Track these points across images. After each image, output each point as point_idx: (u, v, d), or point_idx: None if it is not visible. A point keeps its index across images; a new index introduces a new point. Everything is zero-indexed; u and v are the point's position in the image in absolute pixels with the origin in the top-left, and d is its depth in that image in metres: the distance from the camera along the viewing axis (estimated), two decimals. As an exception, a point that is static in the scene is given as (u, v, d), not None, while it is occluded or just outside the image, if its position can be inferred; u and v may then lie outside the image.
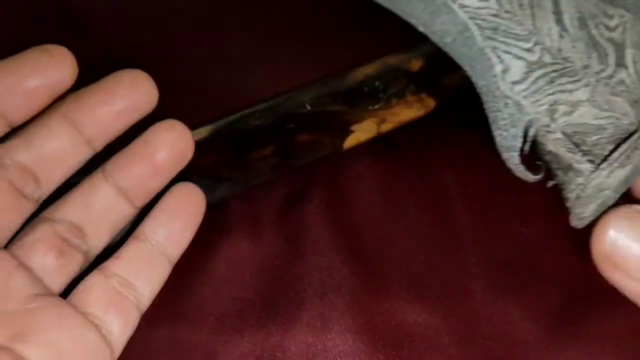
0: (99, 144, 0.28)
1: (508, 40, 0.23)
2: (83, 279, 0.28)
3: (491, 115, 0.24)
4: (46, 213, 0.28)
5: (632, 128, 0.23)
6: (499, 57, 0.23)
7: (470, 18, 0.23)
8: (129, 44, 0.33)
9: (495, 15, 0.23)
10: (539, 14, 0.24)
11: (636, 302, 0.24)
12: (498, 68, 0.23)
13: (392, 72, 0.38)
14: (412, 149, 0.38)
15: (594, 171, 0.23)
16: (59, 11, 0.32)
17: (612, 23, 0.24)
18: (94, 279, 0.28)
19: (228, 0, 0.43)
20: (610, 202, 0.23)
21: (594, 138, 0.23)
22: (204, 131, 0.32)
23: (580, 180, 0.23)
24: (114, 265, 0.28)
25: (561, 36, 0.24)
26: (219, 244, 0.33)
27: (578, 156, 0.23)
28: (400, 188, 0.36)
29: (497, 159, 0.38)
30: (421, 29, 0.23)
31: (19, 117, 0.27)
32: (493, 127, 0.24)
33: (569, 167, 0.23)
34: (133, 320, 0.28)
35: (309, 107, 0.36)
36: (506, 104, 0.23)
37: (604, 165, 0.23)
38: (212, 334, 0.30)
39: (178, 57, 0.43)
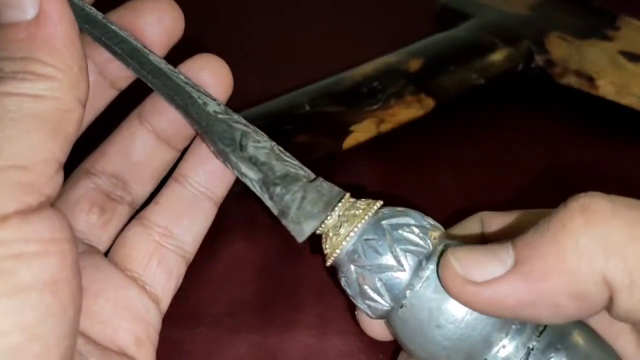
0: None
1: None
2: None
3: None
4: (86, 165, 0.28)
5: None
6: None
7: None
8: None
9: None
10: None
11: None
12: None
13: (391, 72, 0.38)
14: (411, 149, 0.38)
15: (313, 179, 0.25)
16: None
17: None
18: (133, 231, 0.27)
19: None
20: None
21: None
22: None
23: (300, 183, 0.25)
24: (153, 213, 0.27)
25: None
26: (217, 245, 0.33)
27: (290, 167, 0.25)
28: (399, 188, 0.36)
29: (496, 159, 0.38)
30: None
31: None
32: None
33: (285, 176, 0.25)
34: (178, 270, 0.27)
35: (307, 108, 0.36)
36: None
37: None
38: (210, 335, 0.30)
39: (178, 60, 0.43)
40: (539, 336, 0.23)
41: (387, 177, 0.37)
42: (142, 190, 0.28)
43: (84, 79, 0.22)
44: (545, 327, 0.23)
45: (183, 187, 0.27)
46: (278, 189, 0.25)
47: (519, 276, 0.21)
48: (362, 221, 0.24)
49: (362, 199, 0.25)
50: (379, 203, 0.25)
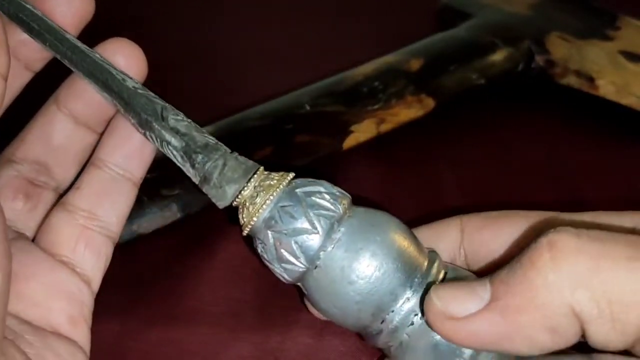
0: None
1: None
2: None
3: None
4: (7, 153, 0.28)
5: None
6: None
7: None
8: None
9: None
10: None
11: None
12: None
13: (391, 72, 0.38)
14: (411, 149, 0.38)
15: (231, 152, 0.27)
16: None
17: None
18: (57, 217, 0.27)
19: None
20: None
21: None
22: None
23: (220, 152, 0.26)
24: (75, 198, 0.28)
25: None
26: (217, 245, 0.33)
27: (209, 139, 0.26)
28: (400, 188, 0.36)
29: (496, 159, 0.38)
30: None
31: None
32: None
33: (205, 146, 0.26)
34: (106, 250, 0.28)
35: (308, 108, 0.36)
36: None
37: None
38: (211, 335, 0.30)
39: (178, 59, 0.43)
40: None
41: (387, 177, 0.37)
42: (65, 174, 0.29)
43: (4, 53, 0.22)
44: (444, 277, 0.25)
45: (102, 170, 0.28)
46: (200, 157, 0.26)
47: (495, 311, 0.22)
48: (278, 190, 0.26)
49: (275, 172, 0.27)
50: (292, 174, 0.26)
